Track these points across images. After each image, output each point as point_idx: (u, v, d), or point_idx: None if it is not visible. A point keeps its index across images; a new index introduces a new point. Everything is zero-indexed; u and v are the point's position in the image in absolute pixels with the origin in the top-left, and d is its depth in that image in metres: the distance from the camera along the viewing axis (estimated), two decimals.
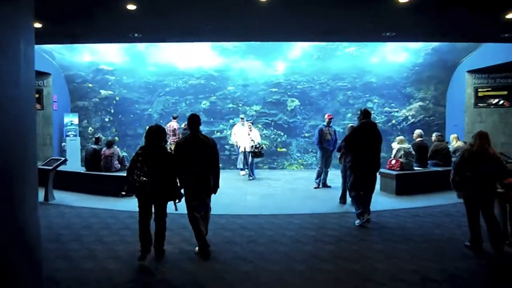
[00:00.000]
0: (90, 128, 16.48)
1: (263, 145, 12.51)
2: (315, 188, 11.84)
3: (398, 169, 10.88)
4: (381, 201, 9.88)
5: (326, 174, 12.10)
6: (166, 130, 12.13)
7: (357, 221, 7.74)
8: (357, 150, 7.77)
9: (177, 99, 17.82)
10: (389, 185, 10.80)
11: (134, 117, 17.33)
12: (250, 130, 13.47)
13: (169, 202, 5.56)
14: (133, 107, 17.57)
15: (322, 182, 12.03)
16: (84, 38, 11.96)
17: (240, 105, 17.63)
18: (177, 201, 5.51)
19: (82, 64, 16.73)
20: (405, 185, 10.63)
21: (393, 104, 17.24)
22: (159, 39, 12.94)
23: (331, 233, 7.22)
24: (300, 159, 16.96)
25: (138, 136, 17.12)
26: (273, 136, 16.91)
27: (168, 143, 13.11)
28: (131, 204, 8.18)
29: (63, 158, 10.15)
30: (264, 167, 16.71)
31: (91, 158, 11.29)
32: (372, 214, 8.12)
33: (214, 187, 5.65)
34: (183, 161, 5.35)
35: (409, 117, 16.42)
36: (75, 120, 15.36)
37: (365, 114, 8.07)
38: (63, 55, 15.95)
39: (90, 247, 6.32)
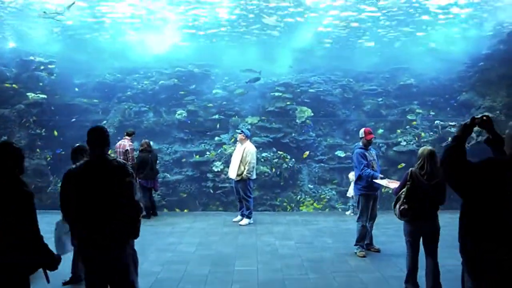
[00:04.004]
0: None
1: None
2: (361, 256, 6.79)
3: None
4: None
5: (371, 228, 7.12)
6: (116, 151, 9.24)
7: None
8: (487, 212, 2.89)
9: (141, 107, 12.92)
10: None
11: (80, 133, 12.23)
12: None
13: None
14: (80, 118, 12.52)
15: (366, 244, 7.01)
16: None
17: (234, 117, 12.63)
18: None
19: (1, 54, 11.79)
20: None
21: (432, 114, 12.42)
22: None
23: None
24: (314, 193, 11.87)
25: None
26: (275, 160, 11.89)
27: None
28: None
29: None
30: (274, 206, 11.58)
31: None
32: None
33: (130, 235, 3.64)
34: (76, 203, 3.46)
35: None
36: None
37: None
38: None
39: None
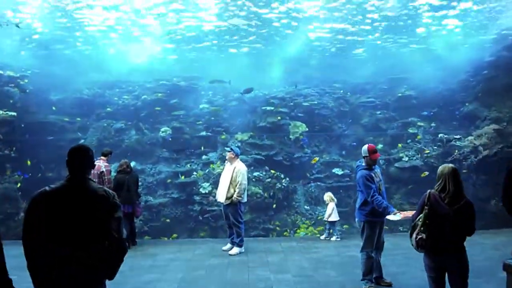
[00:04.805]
0: None
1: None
2: None
3: None
4: None
5: (379, 256, 6.16)
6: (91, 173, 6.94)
7: None
8: None
9: (123, 124, 11.97)
10: None
11: (54, 153, 11.23)
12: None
13: None
14: (55, 137, 11.55)
15: (374, 277, 6.06)
16: None
17: (223, 133, 11.79)
18: None
19: None
20: None
21: (433, 125, 11.67)
22: None
23: None
24: (311, 215, 10.94)
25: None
26: (268, 179, 10.92)
27: None
28: None
29: None
30: (268, 231, 10.62)
31: None
32: None
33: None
34: (47, 236, 2.99)
35: (480, 148, 10.62)
36: None
37: None
38: None
39: None
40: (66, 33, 11.69)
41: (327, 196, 9.10)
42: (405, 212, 5.54)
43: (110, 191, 3.24)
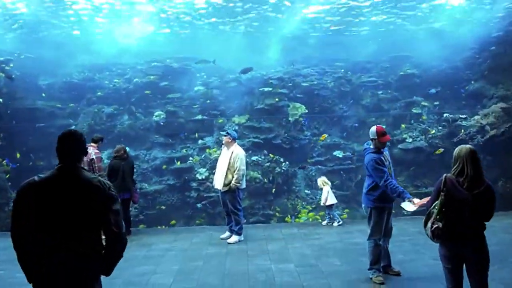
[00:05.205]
0: None
1: None
2: (378, 282, 5.45)
3: None
4: None
5: (387, 244, 5.79)
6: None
7: None
8: None
9: (115, 109, 11.56)
10: None
11: (44, 140, 10.81)
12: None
13: None
14: (43, 123, 11.12)
15: (382, 266, 5.69)
16: None
17: (220, 120, 11.40)
18: None
19: None
20: None
21: (436, 103, 11.29)
22: None
23: None
24: (312, 199, 10.62)
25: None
26: (266, 164, 10.54)
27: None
28: None
29: None
30: (268, 216, 10.29)
31: None
32: None
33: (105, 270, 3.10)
34: (36, 226, 2.85)
35: (487, 127, 10.24)
36: None
37: None
38: None
39: None
40: (51, 14, 11.15)
41: (320, 180, 8.81)
42: (420, 201, 5.11)
43: (106, 181, 3.05)
